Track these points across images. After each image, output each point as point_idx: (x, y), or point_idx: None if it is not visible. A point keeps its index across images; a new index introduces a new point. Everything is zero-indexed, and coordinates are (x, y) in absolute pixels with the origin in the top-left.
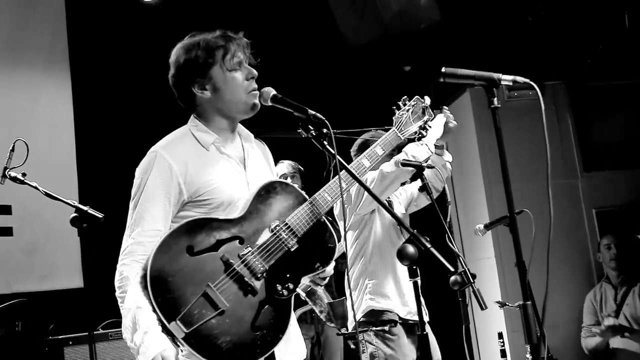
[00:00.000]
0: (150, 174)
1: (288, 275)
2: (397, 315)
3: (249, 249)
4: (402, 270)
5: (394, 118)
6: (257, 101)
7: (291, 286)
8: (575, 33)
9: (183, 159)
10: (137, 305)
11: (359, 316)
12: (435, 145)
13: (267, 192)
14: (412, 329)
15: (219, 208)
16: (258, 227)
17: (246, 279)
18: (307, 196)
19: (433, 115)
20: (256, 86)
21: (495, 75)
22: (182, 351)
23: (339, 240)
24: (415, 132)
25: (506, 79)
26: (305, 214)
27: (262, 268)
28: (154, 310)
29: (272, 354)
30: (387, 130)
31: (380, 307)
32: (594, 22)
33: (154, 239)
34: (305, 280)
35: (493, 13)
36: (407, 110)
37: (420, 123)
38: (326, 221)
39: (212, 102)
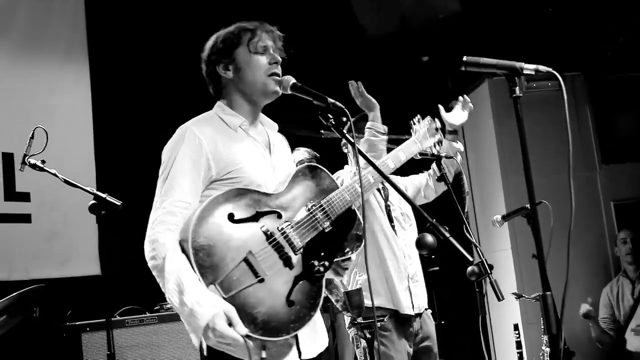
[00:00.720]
0: (181, 147)
1: (322, 254)
2: (388, 309)
3: (287, 223)
4: (392, 264)
5: (412, 130)
6: (277, 88)
7: (327, 264)
8: (595, 24)
9: (212, 136)
10: (179, 268)
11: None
12: (448, 131)
13: (304, 174)
14: (407, 321)
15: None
16: (295, 205)
17: (286, 250)
18: (339, 185)
19: (443, 137)
20: (278, 71)
21: (518, 64)
22: None
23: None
24: (430, 147)
25: (528, 68)
26: (339, 200)
27: (299, 243)
28: (195, 273)
29: (297, 340)
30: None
31: (369, 304)
32: (614, 14)
33: (185, 211)
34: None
35: (512, 3)
36: (424, 126)
37: (435, 140)
38: (356, 210)
39: (235, 83)
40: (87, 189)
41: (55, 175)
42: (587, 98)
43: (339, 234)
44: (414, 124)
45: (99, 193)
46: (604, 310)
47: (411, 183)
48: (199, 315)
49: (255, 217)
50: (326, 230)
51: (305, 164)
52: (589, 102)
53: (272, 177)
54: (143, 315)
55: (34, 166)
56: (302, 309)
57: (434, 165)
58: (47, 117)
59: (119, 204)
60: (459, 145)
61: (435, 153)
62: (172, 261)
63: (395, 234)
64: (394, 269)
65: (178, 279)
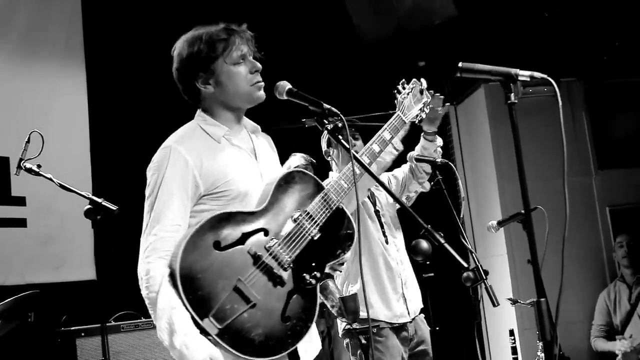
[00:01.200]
0: (167, 169)
1: (314, 264)
2: (382, 321)
3: (275, 240)
4: (385, 273)
5: (396, 102)
6: (260, 93)
7: (318, 275)
8: (591, 30)
9: (197, 152)
10: (172, 306)
11: (343, 325)
12: (426, 132)
13: (286, 182)
14: (401, 329)
15: (235, 200)
16: (281, 218)
17: (275, 270)
18: (324, 185)
19: (430, 97)
20: (260, 79)
21: (513, 71)
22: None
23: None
24: (417, 115)
25: (523, 74)
26: (324, 202)
27: (288, 259)
28: (186, 308)
29: (296, 348)
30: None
31: (363, 316)
32: (609, 19)
33: (175, 234)
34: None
35: (508, 9)
36: (408, 94)
37: (420, 105)
38: (344, 208)
39: (216, 96)
40: (83, 193)
41: (50, 179)
42: (583, 103)
43: (330, 238)
44: (398, 93)
45: (95, 198)
46: (600, 317)
47: (394, 177)
48: (187, 359)
49: (242, 240)
50: (315, 238)
51: (285, 171)
52: (585, 107)
53: (260, 184)
54: (138, 321)
55: (29, 170)
56: (298, 322)
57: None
58: (43, 122)
59: (114, 208)
60: (439, 141)
61: (423, 117)
62: (165, 297)
63: (386, 241)
64: (389, 278)
65: (170, 318)
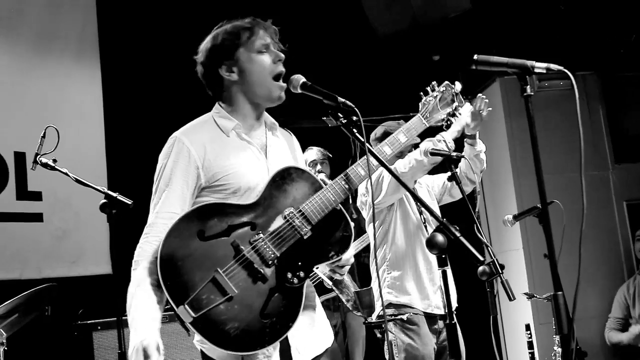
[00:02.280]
0: (169, 158)
1: (300, 263)
2: (417, 309)
3: (261, 235)
4: (424, 263)
5: (420, 104)
6: (282, 94)
7: (302, 274)
8: (607, 22)
9: (202, 144)
10: (132, 291)
11: (377, 309)
12: (467, 135)
13: (282, 178)
14: (434, 320)
15: (236, 194)
16: (271, 214)
17: (256, 265)
18: (323, 184)
19: (463, 102)
20: (283, 69)
21: (529, 63)
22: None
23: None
24: (443, 119)
25: (539, 66)
26: (321, 202)
27: (272, 255)
28: (164, 292)
29: (287, 340)
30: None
31: (397, 302)
32: (627, 12)
33: (169, 221)
34: (324, 269)
35: (524, 1)
36: (435, 97)
37: (449, 110)
38: (342, 209)
39: (239, 85)
40: (98, 188)
41: (66, 174)
42: (599, 97)
43: (322, 239)
44: (425, 94)
45: (110, 192)
46: (618, 310)
47: (437, 182)
48: (131, 338)
49: (227, 232)
50: (305, 237)
51: (282, 167)
52: (602, 100)
53: (263, 177)
54: None
55: (45, 165)
56: (278, 321)
57: (460, 164)
58: (58, 117)
59: (129, 203)
60: (481, 147)
61: (449, 123)
62: (134, 279)
63: (427, 230)
64: (427, 269)
65: (130, 300)
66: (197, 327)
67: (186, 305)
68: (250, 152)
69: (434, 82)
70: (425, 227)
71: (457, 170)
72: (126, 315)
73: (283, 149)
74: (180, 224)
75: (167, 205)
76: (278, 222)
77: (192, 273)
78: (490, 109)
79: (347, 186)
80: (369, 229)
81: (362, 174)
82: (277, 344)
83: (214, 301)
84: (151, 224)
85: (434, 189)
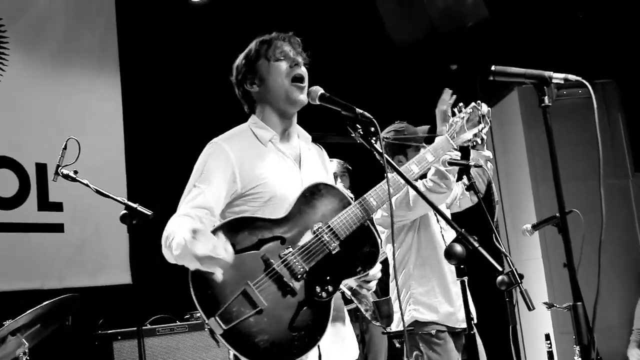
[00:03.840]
0: (209, 160)
1: (328, 278)
2: (444, 325)
3: (290, 249)
4: (450, 276)
5: (447, 124)
6: (301, 95)
7: (330, 289)
8: (627, 31)
9: (240, 151)
10: (172, 230)
11: (396, 320)
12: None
13: (311, 193)
14: (459, 335)
15: (269, 203)
16: (301, 229)
17: (285, 279)
18: (351, 200)
19: (489, 124)
20: (301, 71)
21: (546, 74)
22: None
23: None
24: (469, 140)
25: (557, 77)
26: (349, 218)
27: (302, 269)
28: (196, 305)
29: (318, 350)
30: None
31: (424, 319)
32: None
33: (205, 216)
34: (351, 284)
35: (542, 10)
36: (462, 118)
37: (475, 131)
38: (370, 225)
39: (262, 95)
40: (118, 199)
41: (87, 185)
42: (619, 105)
43: (350, 254)
44: (453, 115)
45: (130, 203)
46: (639, 321)
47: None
48: (178, 251)
49: (257, 245)
50: (333, 252)
51: (311, 183)
52: (621, 109)
53: (297, 188)
54: (174, 324)
55: (66, 176)
56: (306, 335)
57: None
58: (79, 128)
59: (149, 213)
60: (488, 153)
61: (478, 142)
62: (170, 226)
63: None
64: (453, 282)
65: (169, 236)
66: (227, 339)
67: (217, 317)
68: (285, 163)
69: (461, 104)
70: (443, 238)
71: (474, 180)
72: (146, 325)
73: (315, 162)
74: None
75: (203, 200)
76: (307, 237)
77: (222, 286)
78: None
79: (374, 203)
80: (387, 248)
81: (390, 191)
82: (308, 355)
83: (244, 314)
84: (185, 213)
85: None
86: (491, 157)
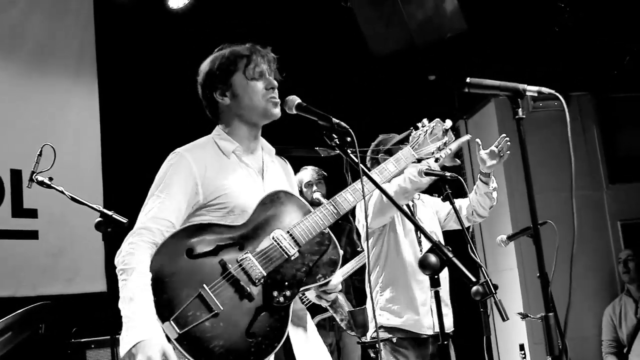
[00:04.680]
0: (170, 170)
1: (286, 283)
2: (408, 331)
3: (248, 254)
4: (417, 284)
5: (410, 137)
6: (276, 110)
7: (288, 294)
8: (602, 44)
9: (203, 162)
10: (129, 278)
11: (371, 329)
12: (482, 172)
13: (271, 201)
14: (425, 342)
15: (232, 213)
16: (259, 235)
17: (242, 283)
18: (311, 208)
19: (453, 138)
20: (275, 95)
21: (521, 86)
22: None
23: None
24: (432, 152)
25: (531, 89)
26: (309, 225)
27: (259, 274)
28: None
29: (292, 356)
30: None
31: (389, 324)
32: (621, 34)
33: (164, 229)
34: (311, 295)
35: (519, 23)
36: (425, 131)
37: (439, 144)
38: (330, 233)
39: (232, 108)
40: (94, 206)
41: (62, 192)
42: (594, 117)
43: (310, 261)
44: (415, 129)
45: (106, 210)
46: (607, 332)
47: (444, 209)
48: (127, 336)
49: (215, 251)
50: (292, 258)
51: (271, 190)
52: (596, 121)
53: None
54: None
55: (41, 183)
56: (264, 341)
57: (478, 182)
58: (55, 135)
59: (125, 221)
60: (494, 184)
61: (438, 157)
62: (131, 266)
63: (421, 250)
64: (419, 289)
65: (128, 288)
66: (182, 344)
67: (172, 322)
68: (248, 174)
69: (424, 119)
70: (420, 242)
71: (450, 191)
72: (119, 334)
73: (279, 174)
74: (169, 242)
75: (163, 212)
76: (266, 242)
77: (178, 290)
78: (508, 152)
79: (335, 210)
80: (365, 254)
81: (351, 200)
82: None
83: (199, 318)
84: (145, 227)
85: (440, 213)
86: (496, 187)
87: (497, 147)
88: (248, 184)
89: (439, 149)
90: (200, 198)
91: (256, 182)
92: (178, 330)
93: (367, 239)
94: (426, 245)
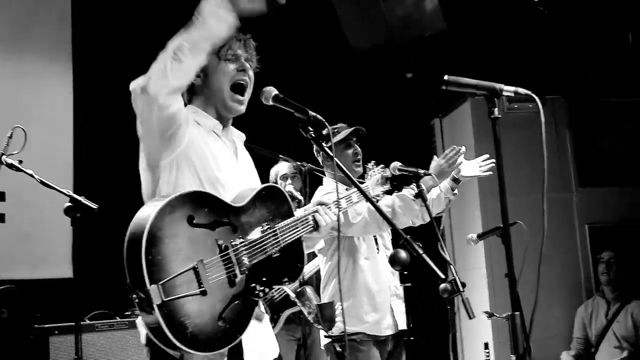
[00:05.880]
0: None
1: (264, 279)
2: (367, 334)
3: (241, 239)
4: (375, 286)
5: (366, 175)
6: (238, 107)
7: (266, 290)
8: (578, 49)
9: (193, 122)
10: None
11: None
12: (454, 177)
13: (267, 193)
14: (385, 342)
15: (205, 174)
16: (252, 223)
17: (234, 268)
18: (295, 212)
19: (390, 188)
20: (244, 79)
21: (497, 86)
22: None
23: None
24: (378, 196)
25: (508, 89)
26: (291, 229)
27: (247, 263)
28: (141, 267)
29: (240, 347)
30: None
31: (350, 330)
32: (597, 39)
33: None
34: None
35: (497, 25)
36: (377, 173)
37: (383, 189)
38: (303, 242)
39: (203, 89)
40: (63, 190)
41: (31, 175)
42: (567, 121)
43: (284, 263)
44: (369, 169)
45: (75, 195)
46: (578, 330)
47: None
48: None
49: (213, 226)
50: (273, 256)
51: (269, 184)
52: (569, 125)
53: (236, 180)
54: (113, 320)
55: (10, 166)
56: (231, 329)
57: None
58: (27, 118)
59: (94, 207)
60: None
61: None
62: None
63: (377, 249)
64: (378, 292)
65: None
66: (161, 312)
67: (160, 286)
68: (227, 150)
69: (373, 162)
70: (377, 242)
71: (423, 188)
72: (85, 320)
73: (249, 160)
74: (174, 201)
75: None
76: (256, 233)
77: (174, 255)
78: (461, 159)
79: (313, 224)
80: (320, 260)
81: (339, 197)
82: (225, 352)
83: (186, 290)
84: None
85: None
86: (453, 198)
87: (480, 165)
88: (227, 158)
89: (383, 193)
90: (185, 138)
91: (233, 160)
92: (163, 297)
93: (339, 242)
94: (383, 248)
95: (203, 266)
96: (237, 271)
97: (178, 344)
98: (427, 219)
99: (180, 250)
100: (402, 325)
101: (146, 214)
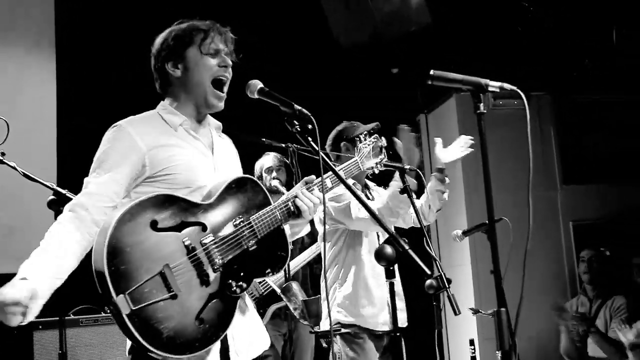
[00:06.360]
0: (109, 144)
1: (242, 274)
2: (364, 328)
3: (211, 238)
4: (375, 281)
5: (355, 149)
6: (218, 103)
7: (244, 285)
8: (563, 46)
9: (148, 135)
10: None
11: (326, 325)
12: (437, 168)
13: (237, 186)
14: (381, 337)
15: (180, 186)
16: (223, 219)
17: (204, 267)
18: (272, 201)
19: (385, 157)
20: (225, 75)
21: (483, 81)
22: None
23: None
24: (372, 167)
25: (493, 85)
26: (269, 219)
27: (220, 261)
28: (105, 279)
29: (226, 341)
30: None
31: (347, 322)
32: (582, 36)
33: (99, 204)
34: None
35: (483, 21)
36: (368, 145)
37: (377, 160)
38: (284, 230)
39: (182, 82)
40: (47, 184)
41: (14, 168)
42: (552, 118)
43: (263, 254)
44: (359, 141)
45: (59, 189)
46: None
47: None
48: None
49: (179, 227)
50: (250, 249)
51: (240, 175)
52: (554, 122)
53: (213, 176)
54: (98, 315)
55: None
56: (210, 328)
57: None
58: (9, 109)
59: None
60: (445, 191)
61: (377, 172)
62: (63, 219)
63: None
64: (377, 286)
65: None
66: (132, 321)
67: (127, 295)
68: (197, 147)
69: (365, 133)
70: (378, 236)
71: (409, 183)
72: (69, 315)
73: (227, 150)
74: (134, 209)
75: (101, 188)
76: (228, 229)
77: (138, 263)
78: (472, 149)
79: (293, 210)
80: (322, 245)
81: (324, 193)
82: (211, 348)
83: (155, 296)
84: (79, 203)
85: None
86: (447, 191)
87: (458, 144)
88: (197, 157)
89: (377, 164)
90: (148, 170)
91: (206, 156)
92: (132, 306)
93: (325, 234)
94: (383, 236)
95: (170, 270)
96: (209, 270)
97: (155, 350)
98: (414, 217)
99: (146, 256)
100: (403, 322)
101: (107, 225)
